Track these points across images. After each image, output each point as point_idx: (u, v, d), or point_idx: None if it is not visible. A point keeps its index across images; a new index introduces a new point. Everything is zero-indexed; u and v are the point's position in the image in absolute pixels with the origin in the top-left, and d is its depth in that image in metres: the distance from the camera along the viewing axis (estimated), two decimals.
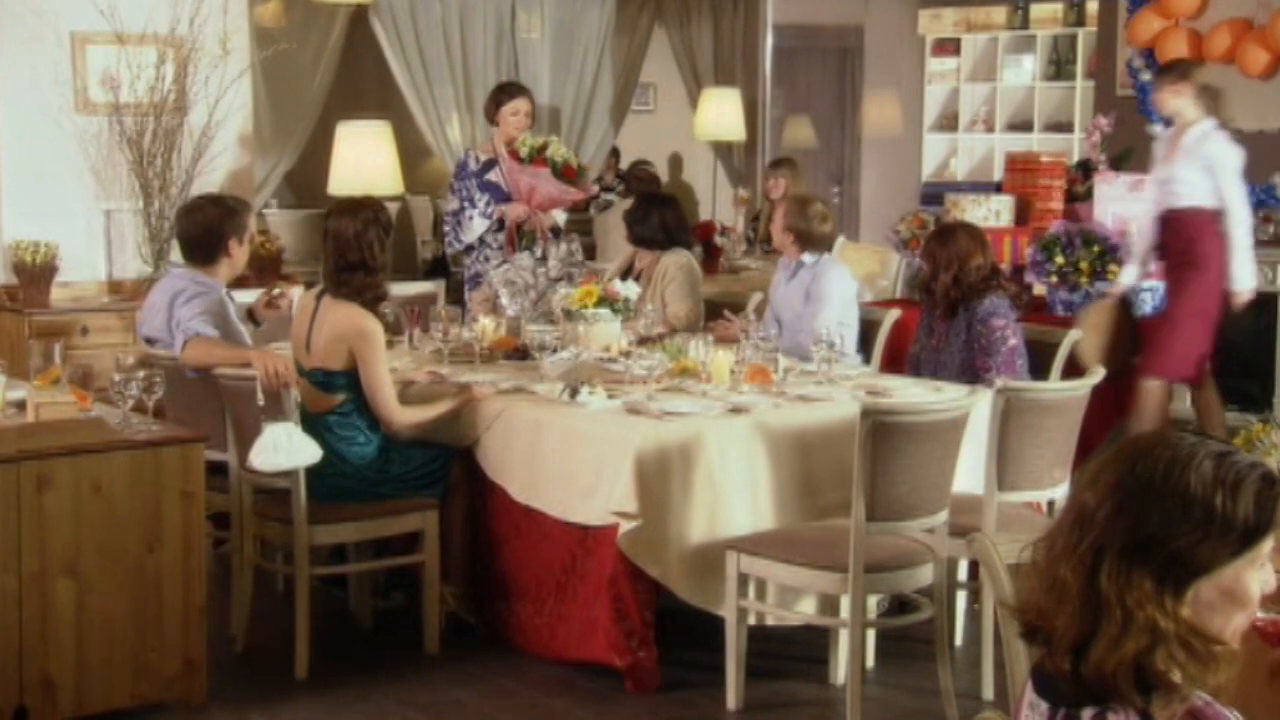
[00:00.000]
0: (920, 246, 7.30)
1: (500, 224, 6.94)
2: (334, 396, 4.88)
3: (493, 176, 6.95)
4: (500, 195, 6.94)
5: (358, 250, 4.86)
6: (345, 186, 7.21)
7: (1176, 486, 1.78)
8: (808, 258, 5.91)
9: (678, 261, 6.42)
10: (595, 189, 9.43)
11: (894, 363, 5.99)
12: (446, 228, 7.19)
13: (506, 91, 7.14)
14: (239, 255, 5.26)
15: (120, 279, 7.13)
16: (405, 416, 4.93)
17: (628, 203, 9.33)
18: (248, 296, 5.78)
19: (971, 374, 5.23)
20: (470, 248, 7.03)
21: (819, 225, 5.91)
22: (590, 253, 9.47)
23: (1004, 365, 5.19)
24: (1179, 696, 1.77)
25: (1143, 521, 1.79)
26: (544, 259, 6.34)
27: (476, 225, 6.94)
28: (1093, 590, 1.79)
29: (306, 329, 4.96)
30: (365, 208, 4.97)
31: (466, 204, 6.96)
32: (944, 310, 5.39)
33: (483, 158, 7.02)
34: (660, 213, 6.51)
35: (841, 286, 5.88)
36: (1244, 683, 1.86)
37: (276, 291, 5.60)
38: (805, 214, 5.91)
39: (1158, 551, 1.78)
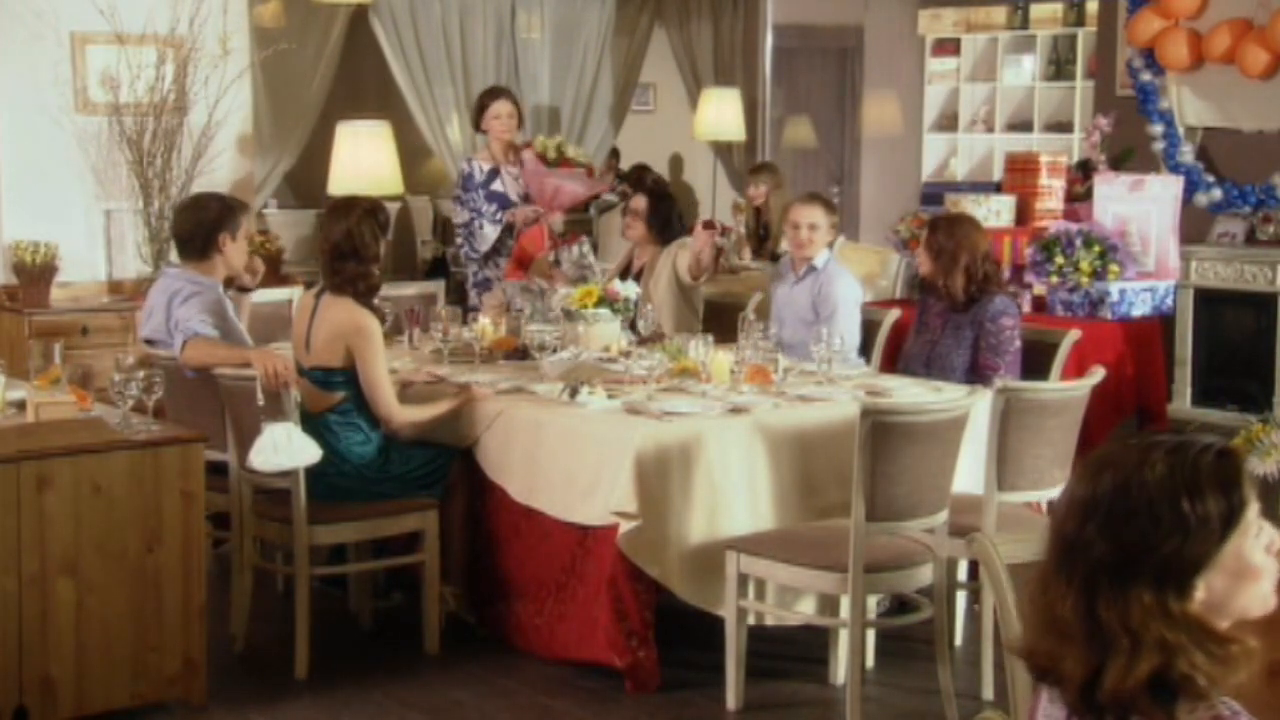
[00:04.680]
0: (919, 246, 7.31)
1: (509, 229, 6.97)
2: (333, 395, 4.88)
3: (497, 186, 7.01)
4: (507, 204, 7.02)
5: (349, 241, 4.88)
6: (345, 186, 7.21)
7: (1139, 501, 1.77)
8: (819, 260, 5.92)
9: (678, 245, 6.53)
10: (611, 184, 9.46)
11: (894, 363, 5.99)
12: (459, 239, 7.27)
13: (489, 95, 7.24)
14: (232, 252, 5.25)
15: (120, 279, 7.13)
16: (404, 415, 4.93)
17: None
18: (251, 298, 5.80)
19: (976, 372, 5.21)
20: (486, 255, 7.09)
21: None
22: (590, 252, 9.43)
23: (1011, 366, 5.20)
24: (1206, 704, 1.75)
25: (1122, 541, 1.77)
26: (557, 262, 6.39)
27: (489, 233, 7.01)
28: (1094, 623, 1.77)
29: (306, 328, 4.96)
30: (358, 204, 5.02)
31: (475, 215, 7.01)
32: (956, 304, 5.34)
33: (485, 167, 7.06)
34: (673, 208, 6.71)
35: (851, 294, 5.91)
36: (1245, 682, 1.85)
37: (254, 257, 5.62)
38: (834, 208, 6.10)
39: (1146, 563, 1.76)
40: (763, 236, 9.06)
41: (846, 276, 5.98)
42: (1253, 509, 1.80)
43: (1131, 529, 1.77)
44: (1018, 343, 5.25)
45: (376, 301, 5.00)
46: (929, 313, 5.50)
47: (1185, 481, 1.77)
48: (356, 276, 4.87)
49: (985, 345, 5.24)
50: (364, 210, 4.94)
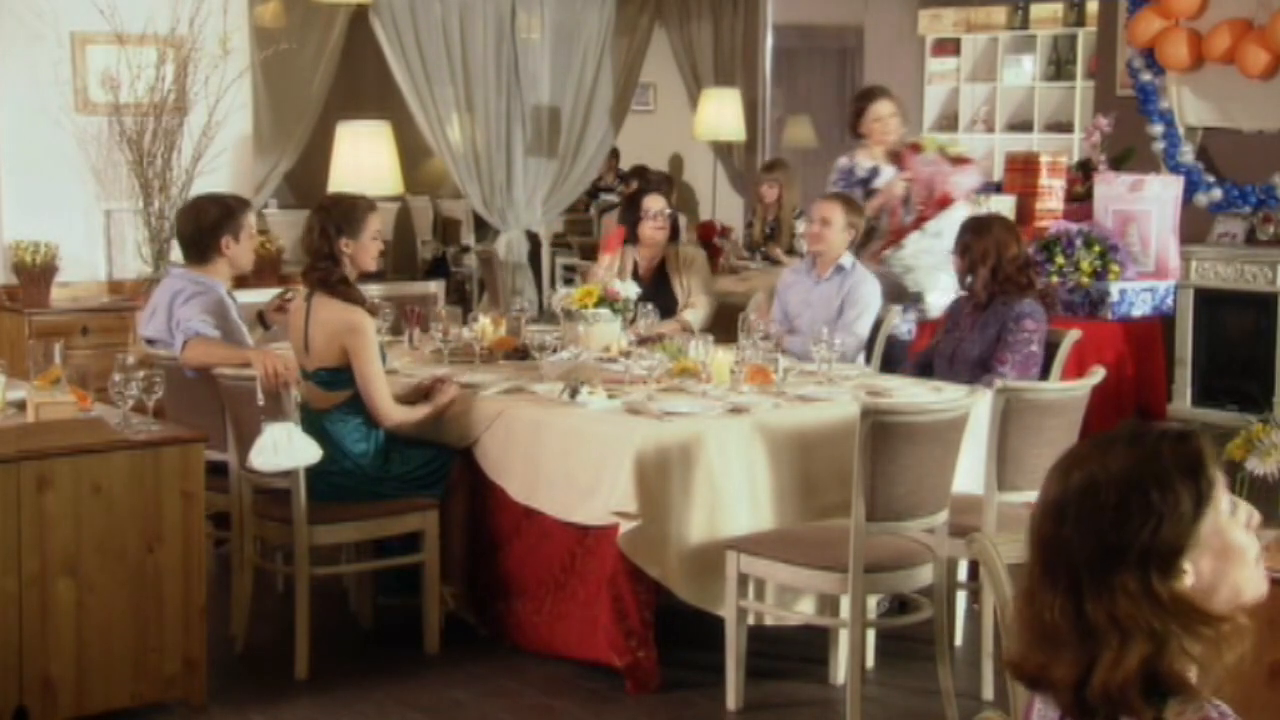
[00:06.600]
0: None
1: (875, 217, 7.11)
2: (337, 394, 4.89)
3: (877, 184, 6.96)
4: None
5: (313, 240, 4.94)
6: (345, 186, 7.19)
7: (1108, 497, 1.77)
8: (846, 261, 5.93)
9: (700, 256, 6.59)
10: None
11: (893, 363, 5.98)
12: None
13: (864, 98, 7.03)
14: (235, 253, 5.25)
15: (120, 279, 7.13)
16: (397, 414, 4.93)
17: None
18: (249, 297, 5.78)
19: (986, 365, 5.22)
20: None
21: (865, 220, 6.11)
22: (590, 252, 9.49)
23: (1019, 364, 5.19)
24: (1194, 705, 1.74)
25: (1099, 536, 1.77)
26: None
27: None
28: (1083, 623, 1.76)
29: (303, 332, 4.97)
30: (318, 205, 5.08)
31: None
32: (979, 302, 5.36)
33: (867, 165, 6.93)
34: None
35: (877, 300, 5.94)
36: (1244, 683, 1.85)
37: (289, 295, 5.61)
38: (858, 210, 6.05)
39: (1127, 552, 1.76)
40: (768, 235, 9.06)
41: (874, 281, 6.00)
42: (1221, 487, 1.80)
43: (1107, 523, 1.77)
44: (1034, 346, 5.23)
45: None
46: (962, 312, 5.52)
47: (1150, 472, 1.78)
48: (324, 273, 4.90)
49: (1001, 341, 5.25)
50: (315, 209, 5.02)
